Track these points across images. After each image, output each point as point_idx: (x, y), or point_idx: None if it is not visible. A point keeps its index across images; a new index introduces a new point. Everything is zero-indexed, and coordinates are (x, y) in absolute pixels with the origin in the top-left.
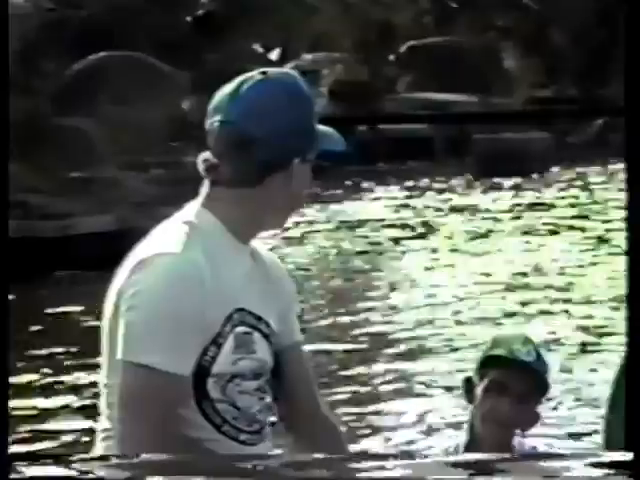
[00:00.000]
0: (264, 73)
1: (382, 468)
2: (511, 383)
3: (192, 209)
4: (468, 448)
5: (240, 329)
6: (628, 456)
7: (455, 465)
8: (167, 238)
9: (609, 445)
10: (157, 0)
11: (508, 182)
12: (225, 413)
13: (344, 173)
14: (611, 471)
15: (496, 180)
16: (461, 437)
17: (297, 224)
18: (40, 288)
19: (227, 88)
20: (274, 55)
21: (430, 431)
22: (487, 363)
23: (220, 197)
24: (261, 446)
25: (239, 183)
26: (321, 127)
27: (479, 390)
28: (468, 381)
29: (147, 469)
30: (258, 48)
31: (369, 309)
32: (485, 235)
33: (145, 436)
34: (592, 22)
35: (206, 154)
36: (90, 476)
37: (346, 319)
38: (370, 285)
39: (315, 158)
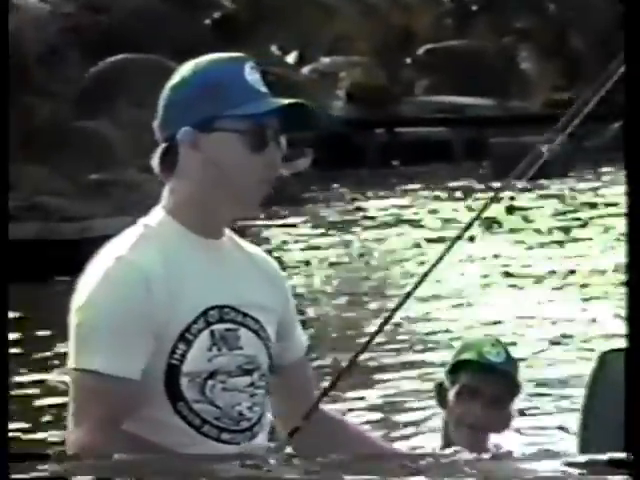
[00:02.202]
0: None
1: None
2: (482, 386)
3: (155, 212)
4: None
5: (219, 326)
6: (628, 456)
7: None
8: (119, 242)
9: (585, 448)
10: (176, 3)
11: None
12: (204, 413)
13: (362, 175)
14: (611, 471)
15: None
16: (436, 442)
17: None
18: (59, 290)
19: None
20: (292, 58)
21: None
22: (457, 367)
23: (167, 194)
24: (250, 444)
25: (166, 175)
26: (245, 89)
27: (451, 395)
28: (440, 386)
29: (147, 470)
30: (276, 51)
31: None
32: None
33: (91, 443)
34: (611, 24)
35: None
36: (90, 476)
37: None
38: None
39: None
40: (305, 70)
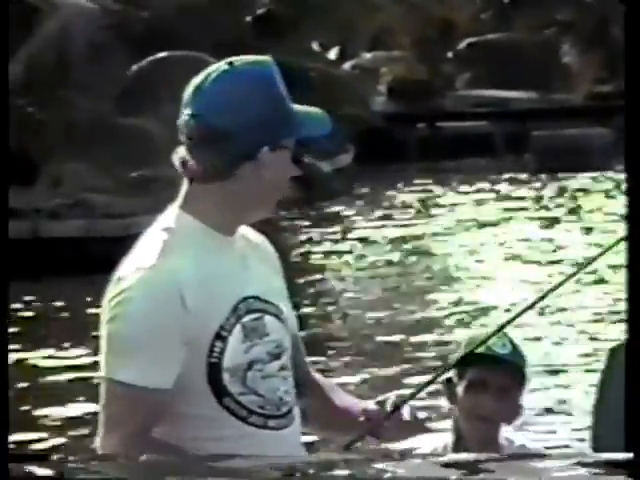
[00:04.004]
0: (230, 63)
1: (373, 468)
2: (490, 378)
3: (171, 213)
4: (455, 447)
5: (247, 318)
6: (628, 456)
7: (446, 465)
8: (145, 250)
9: (598, 447)
10: (218, 0)
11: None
12: (250, 404)
13: (405, 171)
14: (611, 471)
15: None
16: (448, 437)
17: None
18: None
19: (195, 81)
20: (333, 54)
21: None
22: (465, 362)
23: (195, 195)
24: (290, 429)
25: (210, 178)
26: (301, 111)
27: (460, 389)
28: (449, 381)
29: (147, 471)
30: (317, 48)
31: None
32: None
33: (124, 453)
34: None
35: (180, 150)
36: (90, 476)
37: None
38: None
39: (299, 143)
40: (346, 66)
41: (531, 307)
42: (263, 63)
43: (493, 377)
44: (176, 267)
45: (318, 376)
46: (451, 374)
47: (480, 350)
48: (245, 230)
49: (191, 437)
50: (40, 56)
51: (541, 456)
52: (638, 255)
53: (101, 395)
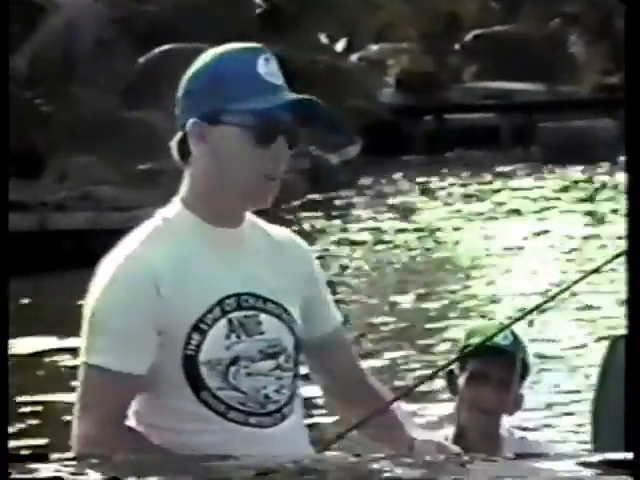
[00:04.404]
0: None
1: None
2: (491, 370)
3: (172, 202)
4: (456, 438)
5: (237, 313)
6: (628, 456)
7: (445, 464)
8: (132, 238)
9: (598, 445)
10: None
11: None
12: (229, 399)
13: (411, 162)
14: (611, 471)
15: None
16: (449, 429)
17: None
18: None
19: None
20: (340, 46)
21: None
22: (466, 353)
23: (184, 183)
24: (278, 428)
25: (182, 164)
26: (255, 82)
27: (461, 381)
28: (450, 373)
29: (148, 470)
30: (324, 40)
31: None
32: None
33: (96, 437)
34: None
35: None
36: (90, 476)
37: None
38: None
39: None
40: (353, 58)
41: (536, 309)
42: (234, 47)
43: (494, 369)
44: (153, 256)
45: (373, 383)
46: (453, 365)
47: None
48: (269, 226)
49: (173, 429)
50: (46, 51)
51: (541, 456)
52: (638, 253)
53: (78, 378)
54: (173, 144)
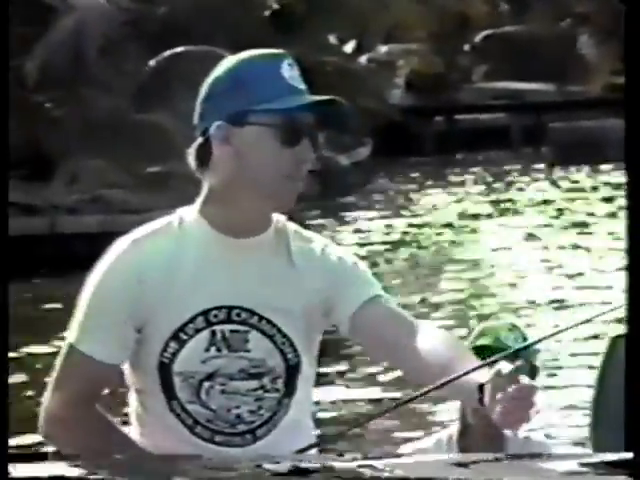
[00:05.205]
0: None
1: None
2: None
3: (193, 205)
4: (461, 437)
5: (224, 327)
6: (628, 456)
7: (446, 465)
8: (145, 227)
9: (597, 445)
10: None
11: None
12: (196, 415)
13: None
14: (611, 471)
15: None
16: (453, 427)
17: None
18: None
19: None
20: (349, 47)
21: None
22: (475, 353)
23: (202, 191)
24: (250, 448)
25: (201, 171)
26: (280, 85)
27: None
28: None
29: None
30: (333, 41)
31: None
32: None
33: (62, 416)
34: None
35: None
36: (90, 476)
37: None
38: None
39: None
40: (363, 59)
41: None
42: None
43: None
44: (148, 249)
45: (432, 332)
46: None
47: (491, 342)
48: (297, 234)
49: (148, 432)
50: (56, 54)
51: (542, 456)
52: (638, 254)
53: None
54: (191, 151)
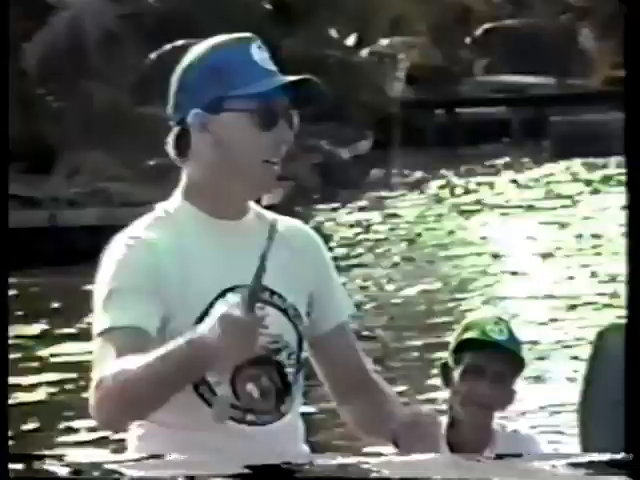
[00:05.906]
0: None
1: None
2: (486, 364)
3: (173, 196)
4: (449, 432)
5: None
6: (628, 456)
7: (442, 465)
8: (135, 224)
9: (585, 441)
10: None
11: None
12: (225, 397)
13: (422, 157)
14: (610, 471)
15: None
16: (442, 420)
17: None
18: None
19: None
20: (350, 41)
21: None
22: (461, 347)
23: (183, 178)
24: (277, 424)
25: (181, 160)
26: (253, 69)
27: (456, 374)
28: (445, 366)
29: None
30: (334, 34)
31: None
32: None
33: (105, 385)
34: None
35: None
36: (90, 476)
37: None
38: None
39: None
40: (364, 52)
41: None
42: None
43: (489, 363)
44: (157, 241)
45: (378, 380)
46: (447, 359)
47: (477, 336)
48: (275, 218)
49: (169, 423)
50: (56, 47)
51: (540, 456)
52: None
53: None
54: (170, 141)
